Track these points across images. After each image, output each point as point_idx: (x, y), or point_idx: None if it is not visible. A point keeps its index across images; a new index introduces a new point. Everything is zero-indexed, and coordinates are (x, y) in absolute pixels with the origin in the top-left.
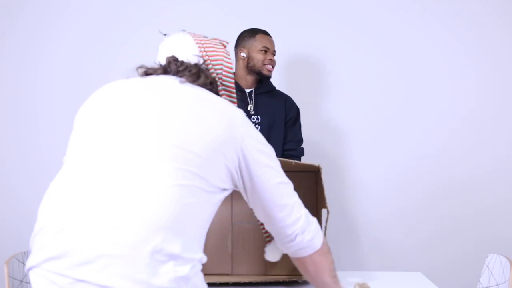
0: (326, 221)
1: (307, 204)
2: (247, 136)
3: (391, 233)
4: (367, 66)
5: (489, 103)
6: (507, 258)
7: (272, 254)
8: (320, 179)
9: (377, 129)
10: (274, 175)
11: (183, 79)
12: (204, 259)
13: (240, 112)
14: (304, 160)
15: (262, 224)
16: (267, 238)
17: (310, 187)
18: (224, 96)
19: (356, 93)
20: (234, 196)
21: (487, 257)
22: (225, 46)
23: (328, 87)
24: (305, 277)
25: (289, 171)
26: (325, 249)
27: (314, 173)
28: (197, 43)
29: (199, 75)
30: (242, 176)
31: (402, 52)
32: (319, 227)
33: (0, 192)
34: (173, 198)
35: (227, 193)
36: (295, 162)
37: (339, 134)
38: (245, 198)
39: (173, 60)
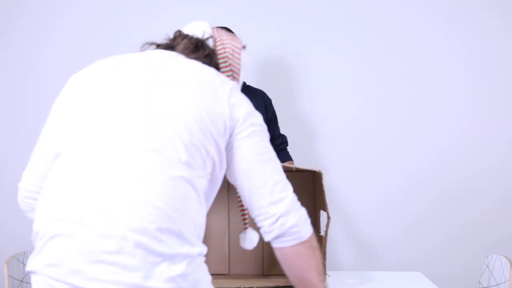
0: (327, 226)
1: (303, 204)
2: (236, 108)
3: (391, 233)
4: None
5: (491, 105)
6: (507, 258)
7: (248, 241)
8: (321, 184)
9: (376, 130)
10: (260, 148)
11: (179, 51)
12: (204, 250)
13: (231, 84)
14: (308, 161)
15: (242, 210)
16: (245, 225)
17: (307, 187)
18: (226, 74)
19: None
20: (231, 196)
21: (487, 257)
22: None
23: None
24: (289, 278)
25: (286, 171)
26: (313, 243)
27: (311, 172)
28: (211, 27)
29: (197, 46)
30: (227, 149)
31: (404, 52)
32: (307, 217)
33: (0, 192)
34: (163, 195)
35: (220, 174)
36: (296, 168)
37: (338, 135)
38: (227, 175)
39: (178, 34)
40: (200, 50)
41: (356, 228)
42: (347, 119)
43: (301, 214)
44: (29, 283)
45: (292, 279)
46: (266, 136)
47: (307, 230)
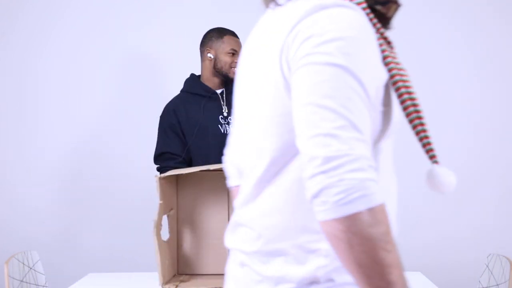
0: None
1: None
2: (299, 41)
3: None
4: None
5: (497, 105)
6: (507, 258)
7: (430, 178)
8: None
9: None
10: (303, 88)
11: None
12: (340, 278)
13: (319, 26)
14: None
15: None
16: (431, 158)
17: None
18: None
19: None
20: (232, 196)
21: (487, 257)
22: None
23: None
24: None
25: None
26: (356, 229)
27: None
28: None
29: None
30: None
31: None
32: (349, 190)
33: (0, 192)
34: (262, 218)
35: None
36: None
37: None
38: None
39: None
40: None
41: None
42: None
43: (333, 182)
44: (29, 283)
45: None
46: (328, 67)
47: (342, 208)
